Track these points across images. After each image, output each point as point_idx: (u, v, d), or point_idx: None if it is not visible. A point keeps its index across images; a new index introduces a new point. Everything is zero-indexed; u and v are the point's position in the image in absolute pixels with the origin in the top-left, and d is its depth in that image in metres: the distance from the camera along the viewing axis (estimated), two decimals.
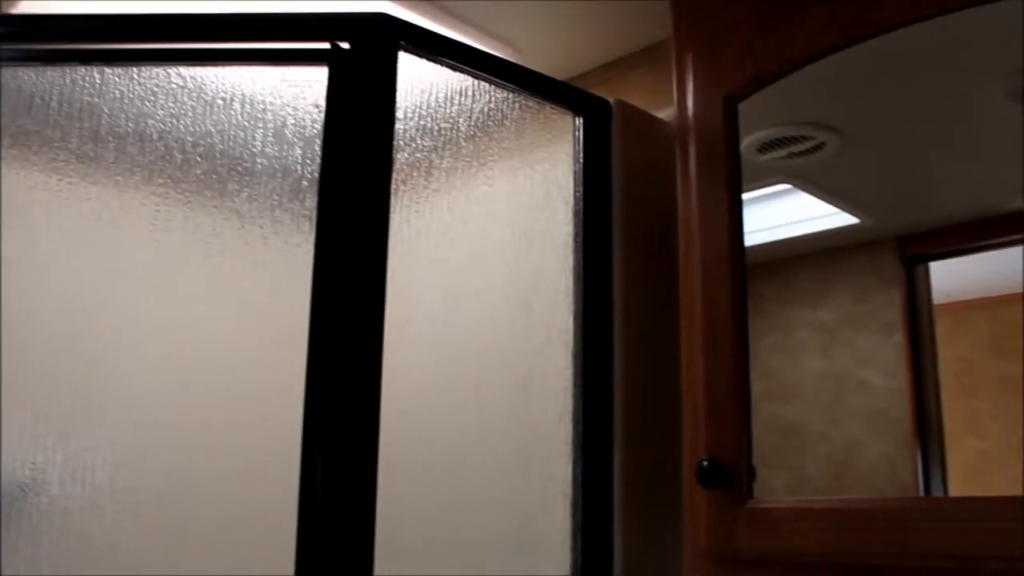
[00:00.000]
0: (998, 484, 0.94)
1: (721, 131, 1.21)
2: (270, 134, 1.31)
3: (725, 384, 1.12)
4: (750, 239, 1.15)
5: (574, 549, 1.34)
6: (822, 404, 1.06)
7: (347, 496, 1.14)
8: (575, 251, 1.43)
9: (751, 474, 1.10)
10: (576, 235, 1.44)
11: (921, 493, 1.00)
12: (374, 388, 1.19)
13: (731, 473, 1.09)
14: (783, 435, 1.10)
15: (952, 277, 1.01)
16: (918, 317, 1.01)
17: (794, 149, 1.17)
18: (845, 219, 1.12)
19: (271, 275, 1.34)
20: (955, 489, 0.98)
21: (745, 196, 1.17)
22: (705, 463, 1.09)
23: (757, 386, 1.12)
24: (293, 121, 1.31)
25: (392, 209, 1.27)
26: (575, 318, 1.42)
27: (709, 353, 1.14)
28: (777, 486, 1.11)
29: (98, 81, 1.29)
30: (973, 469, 0.96)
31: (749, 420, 1.11)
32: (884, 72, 1.09)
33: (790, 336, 1.11)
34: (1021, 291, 0.93)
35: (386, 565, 1.16)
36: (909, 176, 1.07)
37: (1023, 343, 0.92)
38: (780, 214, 1.17)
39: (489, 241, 1.50)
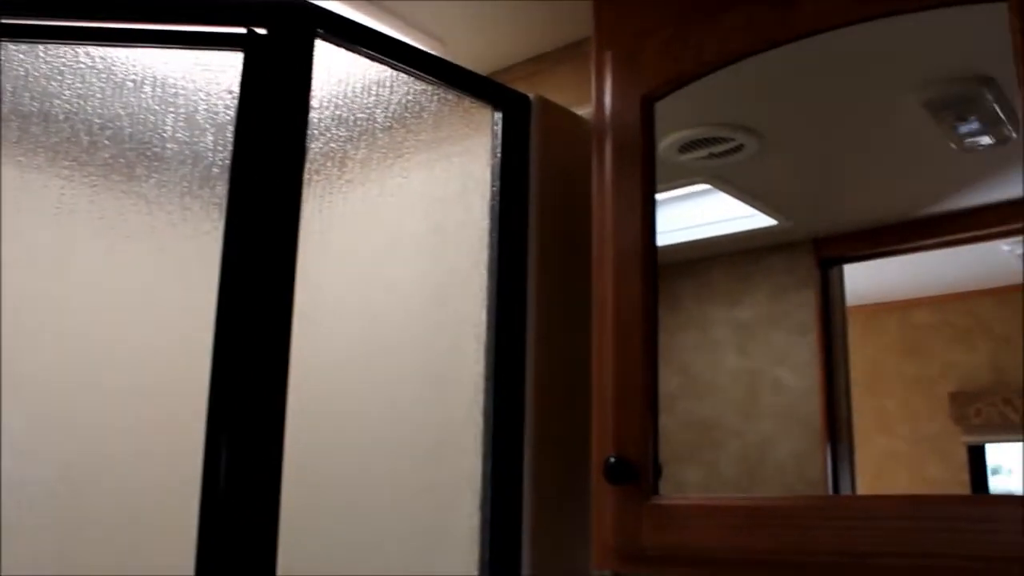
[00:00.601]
0: (905, 482, 0.97)
1: (638, 130, 1.22)
2: (181, 119, 1.28)
3: (634, 382, 1.12)
4: (671, 238, 1.16)
5: (482, 544, 1.34)
6: (737, 401, 1.08)
7: (251, 488, 1.11)
8: (490, 246, 1.43)
9: (657, 471, 1.10)
10: (492, 230, 1.43)
11: (830, 490, 1.03)
12: (281, 379, 1.16)
13: (637, 470, 1.10)
14: (698, 431, 1.11)
15: (865, 280, 1.04)
16: (831, 318, 1.04)
17: (714, 150, 1.18)
18: (763, 220, 1.14)
19: (178, 262, 1.31)
20: (863, 487, 1.01)
21: (666, 195, 1.18)
22: (612, 460, 1.10)
23: (674, 383, 1.13)
24: (205, 107, 1.27)
25: (304, 199, 1.24)
26: (488, 313, 1.41)
27: (619, 350, 1.15)
28: (692, 482, 1.13)
29: (1, 57, 1.24)
30: (881, 467, 0.99)
31: (656, 417, 1.11)
32: (803, 77, 1.11)
33: (707, 334, 1.13)
34: (931, 295, 0.96)
35: (291, 558, 1.14)
36: (826, 180, 1.09)
37: (932, 345, 0.95)
38: (700, 214, 1.19)
39: (403, 234, 1.49)
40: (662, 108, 1.20)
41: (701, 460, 1.11)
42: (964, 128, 1.00)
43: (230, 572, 1.08)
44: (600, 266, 1.22)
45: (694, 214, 1.20)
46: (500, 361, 1.38)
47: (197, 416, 1.14)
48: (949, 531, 0.87)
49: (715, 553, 1.03)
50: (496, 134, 1.44)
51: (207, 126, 1.28)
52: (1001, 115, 0.95)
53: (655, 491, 1.10)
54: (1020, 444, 0.86)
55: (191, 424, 1.14)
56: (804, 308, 1.05)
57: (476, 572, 1.33)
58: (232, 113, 1.22)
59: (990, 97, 0.97)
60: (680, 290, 1.16)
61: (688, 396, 1.12)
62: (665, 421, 1.12)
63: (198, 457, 1.12)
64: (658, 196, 1.19)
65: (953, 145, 1.02)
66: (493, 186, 1.43)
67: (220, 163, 1.25)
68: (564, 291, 1.43)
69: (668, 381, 1.13)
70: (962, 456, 0.93)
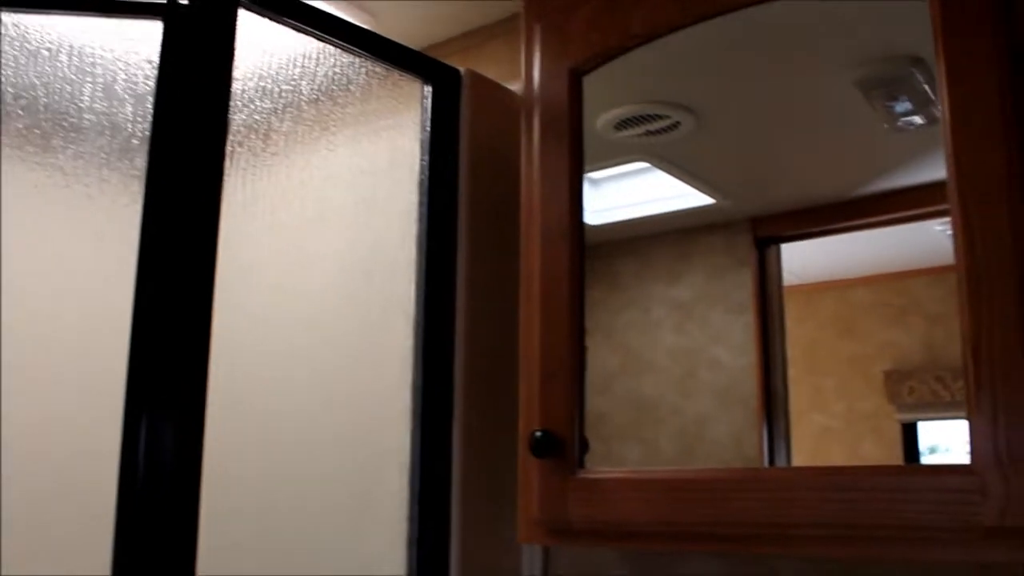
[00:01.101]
0: (840, 459, 0.99)
1: (565, 104, 1.21)
2: (99, 89, 1.23)
3: (560, 356, 1.12)
4: (611, 216, 1.16)
5: (411, 520, 1.34)
6: (676, 379, 1.09)
7: (172, 465, 1.10)
8: (419, 220, 1.41)
9: (583, 445, 1.11)
10: (420, 204, 1.42)
11: (766, 466, 1.04)
12: (202, 355, 1.15)
13: (563, 444, 1.10)
14: (638, 409, 1.12)
15: (803, 259, 1.05)
16: (768, 297, 1.05)
17: (651, 128, 1.18)
18: (701, 199, 1.15)
19: (96, 236, 1.26)
20: (799, 463, 1.03)
21: (605, 173, 1.18)
22: (538, 434, 1.10)
23: (614, 361, 1.13)
24: (124, 77, 1.23)
25: (227, 172, 1.22)
26: (417, 287, 1.40)
27: (545, 325, 1.15)
28: (631, 459, 1.13)
29: None
30: (817, 444, 1.01)
31: (583, 392, 1.12)
32: (738, 55, 1.12)
33: (647, 312, 1.13)
34: (867, 274, 0.98)
35: (213, 536, 1.12)
36: (762, 159, 1.10)
37: (868, 324, 0.97)
38: (640, 192, 1.19)
39: (330, 207, 1.46)
40: (598, 84, 1.19)
41: (641, 437, 1.11)
42: (896, 108, 1.02)
43: (149, 551, 1.06)
44: (527, 241, 1.21)
45: (634, 193, 1.20)
46: (429, 336, 1.38)
47: (115, 394, 1.11)
48: (872, 501, 0.89)
49: (641, 526, 1.04)
50: (426, 108, 1.43)
51: (126, 96, 1.23)
52: (931, 95, 0.96)
53: (581, 465, 1.10)
54: (952, 422, 0.88)
55: (110, 400, 1.12)
56: (741, 287, 1.06)
57: (404, 548, 1.33)
58: (152, 84, 1.18)
59: (920, 77, 0.99)
60: (621, 269, 1.16)
61: (628, 374, 1.12)
62: (605, 399, 1.12)
63: (116, 436, 1.10)
64: (597, 174, 1.19)
65: (886, 125, 1.03)
66: (422, 160, 1.42)
67: (140, 134, 1.21)
68: (493, 265, 1.42)
69: (608, 360, 1.13)
70: (896, 433, 0.95)
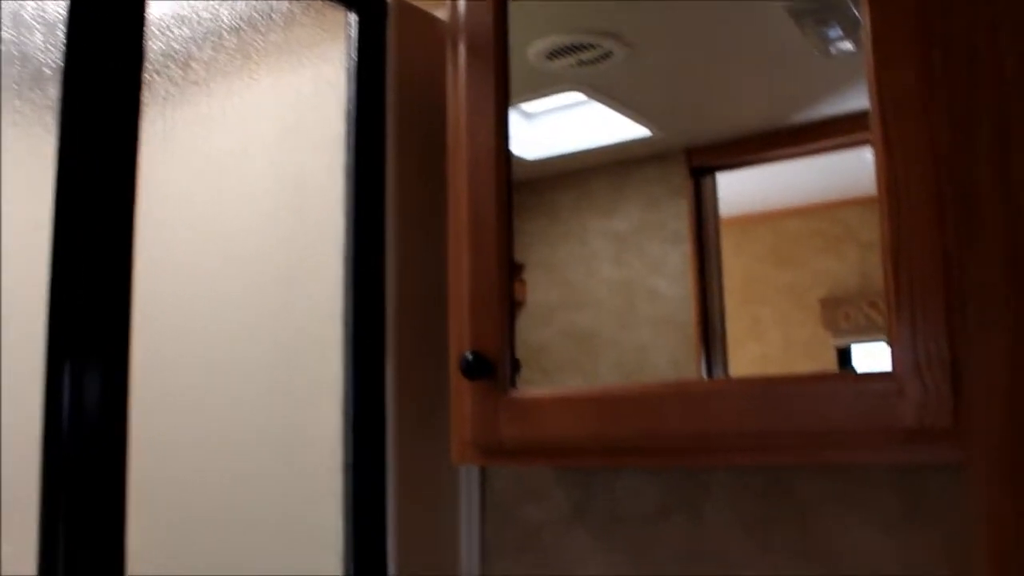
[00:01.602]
0: None
1: (491, 31, 1.20)
2: (7, 18, 1.18)
3: (489, 279, 1.13)
4: (549, 149, 1.16)
5: (345, 447, 1.34)
6: (614, 311, 1.10)
7: (98, 411, 1.08)
8: (346, 150, 1.39)
9: (514, 366, 1.12)
10: (348, 134, 1.39)
11: (693, 379, 1.06)
12: (124, 293, 1.12)
13: (494, 365, 1.11)
14: (578, 341, 1.13)
15: (739, 190, 1.06)
16: (704, 227, 1.06)
17: (583, 57, 1.17)
18: (637, 130, 1.14)
19: (9, 170, 1.22)
20: None
21: (540, 107, 1.17)
22: (469, 355, 1.11)
23: (554, 294, 1.14)
24: (33, 3, 1.18)
25: (144, 102, 1.18)
26: (346, 217, 1.39)
27: (474, 248, 1.15)
28: None
29: None
30: (754, 372, 1.03)
31: (513, 312, 1.13)
32: None
33: (585, 245, 1.13)
34: (802, 204, 1.00)
35: (144, 470, 1.11)
36: (695, 88, 1.10)
37: (803, 254, 0.99)
38: (576, 125, 1.18)
39: (253, 137, 1.43)
40: (528, 13, 1.17)
41: (581, 369, 1.13)
42: (828, 34, 1.02)
43: (76, 501, 1.05)
44: (454, 169, 1.21)
45: (570, 126, 1.19)
46: (359, 265, 1.37)
47: (35, 336, 1.09)
48: (797, 409, 0.93)
49: (572, 442, 1.06)
50: (351, 37, 1.39)
51: (35, 24, 1.18)
52: (861, 20, 0.97)
53: (512, 385, 1.11)
54: (884, 344, 0.90)
55: (26, 343, 1.09)
56: (678, 218, 1.07)
57: (340, 475, 1.34)
58: (63, 11, 1.13)
59: (851, 2, 0.99)
60: (559, 202, 1.16)
61: (568, 307, 1.13)
62: (545, 332, 1.13)
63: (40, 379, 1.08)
64: (532, 107, 1.18)
65: (818, 52, 1.04)
66: (349, 90, 1.39)
67: (52, 64, 1.16)
68: (423, 194, 1.41)
69: (548, 292, 1.14)
70: (831, 358, 0.97)
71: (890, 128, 0.90)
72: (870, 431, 0.89)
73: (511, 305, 1.13)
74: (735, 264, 1.02)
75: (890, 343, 0.88)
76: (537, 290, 1.15)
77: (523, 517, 1.40)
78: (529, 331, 1.13)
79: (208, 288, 1.41)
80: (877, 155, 0.90)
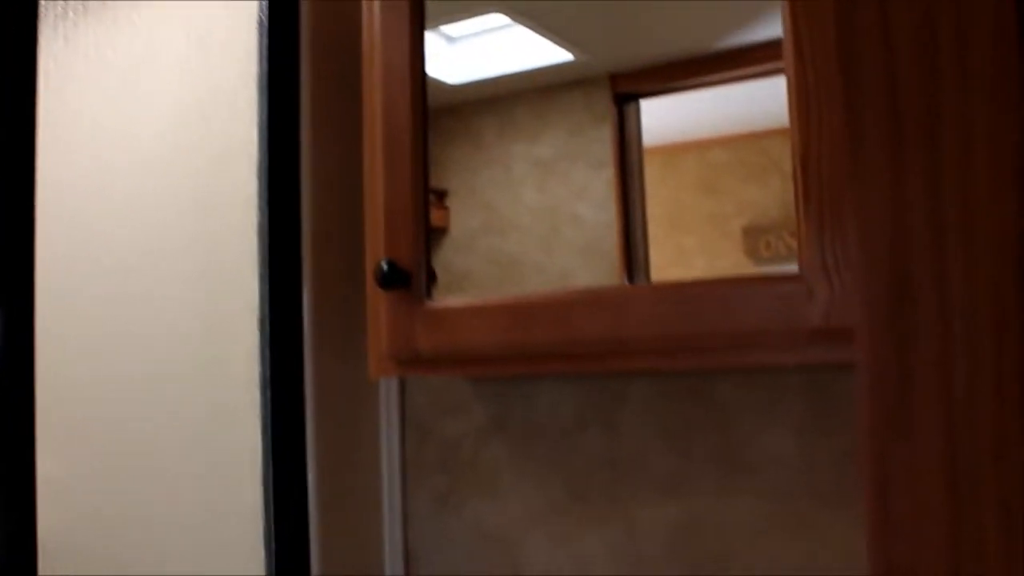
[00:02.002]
0: None
1: None
2: None
3: (403, 188, 1.13)
4: (470, 75, 1.14)
5: (263, 361, 1.33)
6: (538, 236, 1.10)
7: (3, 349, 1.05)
8: (259, 61, 1.35)
9: (430, 276, 1.13)
10: (260, 43, 1.35)
11: (607, 285, 1.07)
12: (28, 206, 1.09)
13: (410, 275, 1.11)
14: (501, 268, 1.13)
15: (664, 119, 1.06)
16: (628, 154, 1.06)
17: None
18: (560, 55, 1.13)
19: None
20: None
21: (463, 30, 1.15)
22: (384, 265, 1.11)
23: (477, 220, 1.14)
24: None
25: (43, 10, 1.14)
26: (259, 129, 1.35)
27: (388, 159, 1.14)
28: None
29: None
30: None
31: (428, 222, 1.13)
32: None
33: (509, 171, 1.13)
34: (727, 134, 1.00)
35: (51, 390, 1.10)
36: (620, 13, 1.09)
37: (727, 183, 1.00)
38: (499, 50, 1.16)
39: (161, 46, 1.38)
40: None
41: (505, 295, 1.13)
42: None
43: None
44: (369, 90, 1.19)
45: (493, 50, 1.17)
46: (273, 176, 1.34)
47: None
48: (708, 312, 0.95)
49: (488, 351, 1.08)
50: None
51: None
52: None
53: (428, 295, 1.12)
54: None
55: None
56: (601, 144, 1.07)
57: (257, 391, 1.33)
58: None
59: None
60: (483, 128, 1.14)
61: (491, 233, 1.13)
62: (468, 258, 1.13)
63: None
64: (454, 31, 1.16)
65: None
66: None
67: None
68: (340, 106, 1.39)
69: (470, 219, 1.14)
70: None
71: (801, 30, 0.91)
72: (780, 332, 0.92)
73: (427, 215, 1.13)
74: (660, 193, 1.03)
75: (799, 245, 0.91)
76: (460, 216, 1.15)
77: (442, 432, 1.42)
78: (452, 258, 1.13)
79: (116, 204, 1.37)
80: (787, 56, 0.92)
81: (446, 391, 1.42)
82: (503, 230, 1.13)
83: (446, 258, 1.13)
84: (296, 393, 1.34)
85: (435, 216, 1.14)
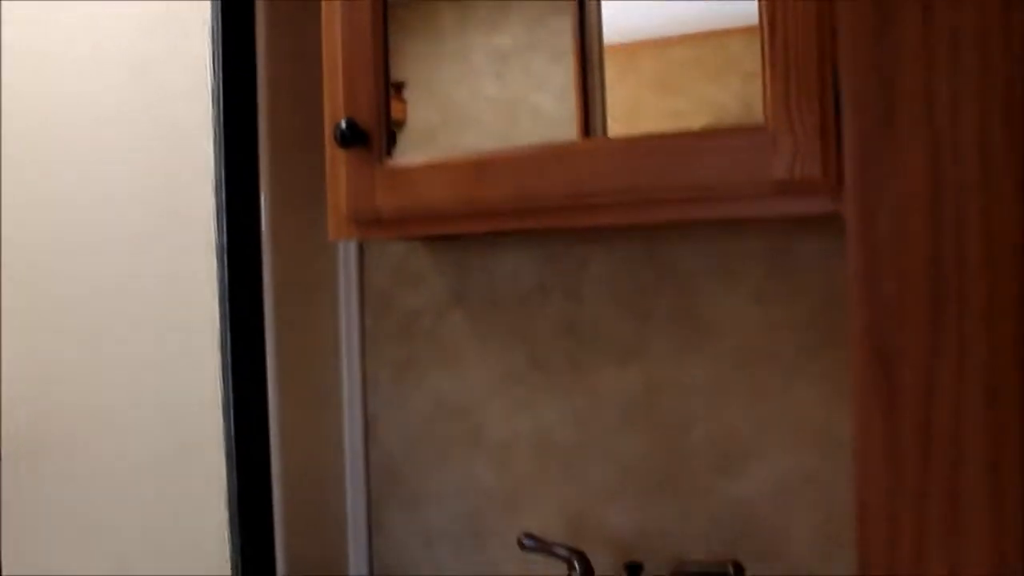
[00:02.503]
0: None
1: None
2: None
3: (363, 45, 1.11)
4: None
5: (219, 228, 1.31)
6: (498, 130, 1.08)
7: None
8: None
9: (390, 137, 1.12)
10: None
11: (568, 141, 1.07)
12: None
13: (368, 134, 1.10)
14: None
15: (626, 17, 1.03)
16: (588, 45, 1.03)
17: None
18: None
19: None
20: None
21: None
22: (343, 124, 1.09)
23: (434, 114, 1.11)
24: None
25: None
26: None
27: (348, 15, 1.12)
28: None
29: None
30: None
31: (388, 82, 1.12)
32: None
33: (467, 62, 1.10)
34: (687, 32, 0.98)
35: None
36: None
37: (687, 81, 0.98)
38: None
39: None
40: None
41: (466, 152, 1.11)
42: None
43: None
44: None
45: None
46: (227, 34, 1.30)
47: None
48: (670, 165, 0.96)
49: (448, 209, 1.09)
50: None
51: None
52: None
53: (387, 154, 1.11)
54: None
55: None
56: (561, 35, 1.04)
57: (215, 258, 1.32)
58: None
59: None
60: (441, 21, 1.10)
61: (451, 127, 1.11)
62: (428, 152, 1.11)
63: None
64: None
65: None
66: None
67: None
68: None
69: (429, 112, 1.11)
70: None
71: None
72: (744, 183, 0.94)
73: (387, 73, 1.11)
74: (621, 90, 1.01)
75: (764, 97, 0.92)
76: (418, 109, 1.12)
77: (401, 304, 1.43)
78: (411, 152, 1.11)
79: (73, 127, 1.35)
80: None
81: (405, 262, 1.42)
82: (461, 123, 1.11)
83: (405, 153, 1.11)
84: (254, 259, 1.33)
85: (393, 109, 1.11)
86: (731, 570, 1.07)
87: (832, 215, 1.15)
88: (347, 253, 1.44)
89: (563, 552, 1.19)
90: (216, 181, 1.31)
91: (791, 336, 1.20)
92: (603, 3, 1.03)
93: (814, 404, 1.19)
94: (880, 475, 0.74)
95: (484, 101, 1.09)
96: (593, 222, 1.05)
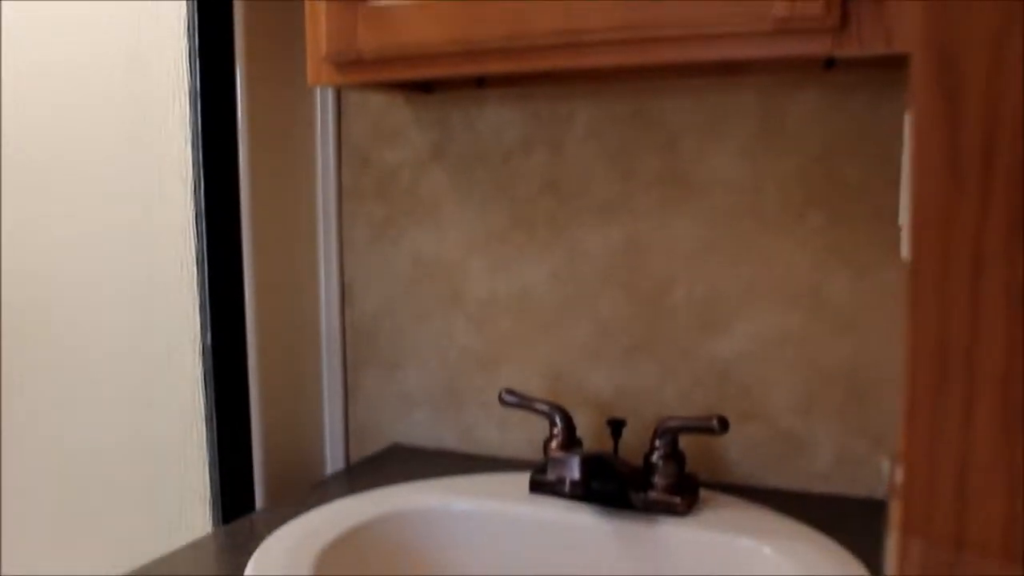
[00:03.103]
0: None
1: None
2: None
3: None
4: None
5: (192, 73, 1.26)
6: None
7: None
8: None
9: None
10: None
11: None
12: None
13: None
14: None
15: None
16: None
17: None
18: None
19: None
20: None
21: None
22: None
23: None
24: None
25: None
26: None
27: None
28: None
29: None
30: None
31: None
32: None
33: None
34: None
35: None
36: None
37: None
38: None
39: None
40: None
41: None
42: None
43: None
44: None
45: None
46: None
47: None
48: (668, 4, 0.92)
49: (433, 48, 1.04)
50: None
51: None
52: None
53: None
54: None
55: None
56: None
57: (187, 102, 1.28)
58: None
59: None
60: None
61: None
62: None
63: None
64: None
65: None
66: None
67: None
68: None
69: None
70: None
71: None
72: (744, 20, 0.90)
73: None
74: None
75: None
76: None
77: (380, 160, 1.39)
78: None
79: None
80: None
81: (385, 118, 1.38)
82: None
83: None
84: (228, 108, 1.28)
85: None
86: (716, 424, 1.07)
87: (826, 69, 1.13)
88: (324, 108, 1.40)
89: (544, 408, 1.18)
90: (188, 23, 1.26)
91: (779, 194, 1.18)
92: None
93: (801, 263, 1.18)
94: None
95: None
96: (586, 63, 1.01)
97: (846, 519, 1.09)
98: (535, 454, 1.34)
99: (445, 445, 1.41)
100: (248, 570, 0.94)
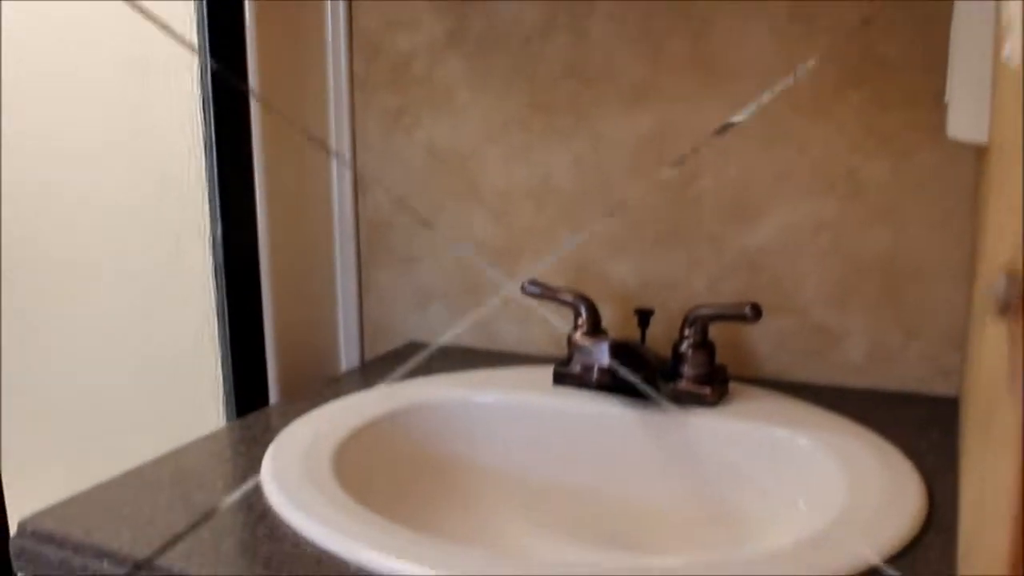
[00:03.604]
0: None
1: None
2: None
3: None
4: None
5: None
6: None
7: None
8: None
9: None
10: None
11: None
12: None
13: None
14: None
15: None
16: None
17: None
18: None
19: None
20: None
21: None
22: None
23: None
24: None
25: None
26: None
27: None
28: None
29: None
30: None
31: None
32: None
33: None
34: None
35: None
36: None
37: None
38: None
39: None
40: None
41: None
42: None
43: None
44: None
45: None
46: None
47: None
48: None
49: None
50: None
51: None
52: None
53: None
54: None
55: None
56: None
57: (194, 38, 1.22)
58: None
59: None
60: None
61: None
62: None
63: None
64: None
65: None
66: None
67: None
68: None
69: None
70: None
71: None
72: None
73: None
74: None
75: None
76: None
77: (393, 47, 1.33)
78: None
79: None
80: None
81: (398, 3, 1.31)
82: None
83: None
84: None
85: None
86: (749, 311, 1.02)
87: None
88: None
89: (568, 297, 1.13)
90: None
91: (811, 78, 1.12)
92: None
93: (836, 146, 1.12)
94: None
95: None
96: None
97: (881, 412, 1.05)
98: (557, 351, 1.30)
99: (462, 342, 1.37)
100: (266, 459, 0.91)
